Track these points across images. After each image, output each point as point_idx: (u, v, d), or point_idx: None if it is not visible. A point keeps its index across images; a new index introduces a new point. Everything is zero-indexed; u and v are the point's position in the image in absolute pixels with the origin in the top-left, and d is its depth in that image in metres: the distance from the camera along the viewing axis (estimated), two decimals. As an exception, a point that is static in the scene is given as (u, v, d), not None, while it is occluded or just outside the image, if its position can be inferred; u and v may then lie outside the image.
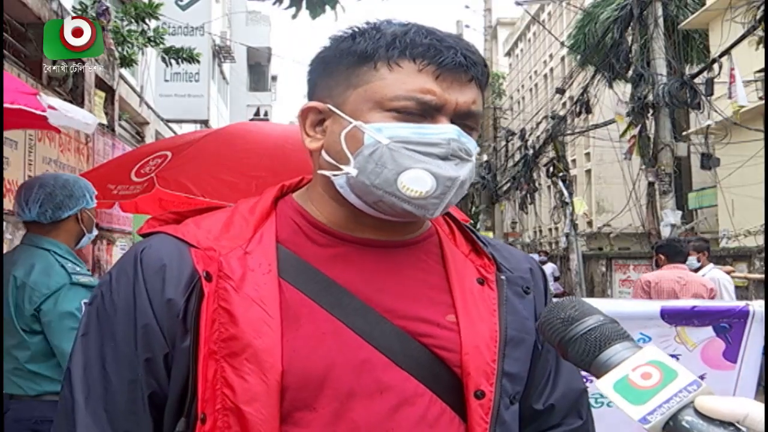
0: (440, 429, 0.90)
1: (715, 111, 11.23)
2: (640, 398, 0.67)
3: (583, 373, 1.08)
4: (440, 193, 0.90)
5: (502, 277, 1.01)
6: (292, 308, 0.89)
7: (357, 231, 0.97)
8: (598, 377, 0.72)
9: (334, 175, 0.93)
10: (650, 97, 11.43)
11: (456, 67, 0.91)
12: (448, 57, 0.90)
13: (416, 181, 0.89)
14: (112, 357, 0.89)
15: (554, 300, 0.83)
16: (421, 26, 0.94)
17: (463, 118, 0.93)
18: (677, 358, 2.70)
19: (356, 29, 0.96)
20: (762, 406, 0.64)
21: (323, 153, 0.95)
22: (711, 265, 6.18)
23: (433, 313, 0.94)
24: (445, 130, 0.91)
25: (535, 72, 36.38)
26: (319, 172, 0.95)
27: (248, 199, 1.01)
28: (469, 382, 0.92)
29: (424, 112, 0.91)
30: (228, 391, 0.85)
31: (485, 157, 22.37)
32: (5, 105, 2.05)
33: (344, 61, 0.94)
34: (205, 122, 14.74)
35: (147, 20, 7.17)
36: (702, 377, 2.74)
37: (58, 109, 2.34)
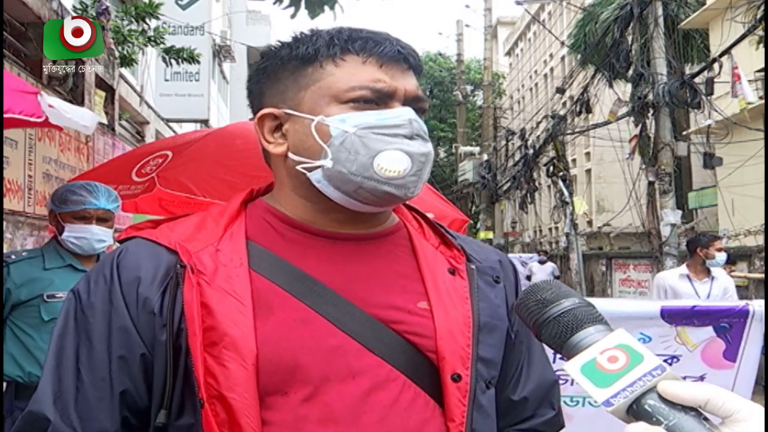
0: (415, 412, 0.92)
1: (716, 110, 11.22)
2: (605, 381, 0.68)
3: (558, 371, 1.08)
4: (416, 170, 0.94)
5: (472, 267, 1.04)
6: (264, 298, 0.92)
7: (327, 226, 1.00)
8: (568, 359, 0.73)
9: (309, 171, 0.95)
10: (650, 97, 11.41)
11: (396, 56, 0.96)
12: (387, 47, 0.96)
13: (392, 162, 0.92)
14: (86, 356, 0.92)
15: (532, 282, 0.83)
16: (352, 27, 0.99)
17: (414, 102, 0.98)
18: (678, 359, 2.69)
19: (285, 41, 1.00)
20: (725, 391, 0.64)
21: (290, 155, 0.97)
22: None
23: (405, 301, 0.97)
24: (403, 112, 0.95)
25: (536, 71, 36.34)
26: (297, 168, 0.97)
27: (219, 204, 1.05)
28: (445, 366, 0.94)
29: (379, 99, 0.95)
30: (211, 379, 0.87)
31: (485, 157, 22.35)
32: (5, 115, 2.05)
33: (288, 66, 0.98)
34: (205, 122, 14.70)
35: (147, 20, 7.17)
36: (702, 377, 2.74)
37: (57, 108, 2.34)
